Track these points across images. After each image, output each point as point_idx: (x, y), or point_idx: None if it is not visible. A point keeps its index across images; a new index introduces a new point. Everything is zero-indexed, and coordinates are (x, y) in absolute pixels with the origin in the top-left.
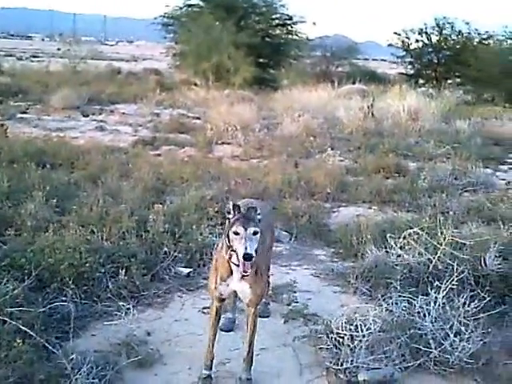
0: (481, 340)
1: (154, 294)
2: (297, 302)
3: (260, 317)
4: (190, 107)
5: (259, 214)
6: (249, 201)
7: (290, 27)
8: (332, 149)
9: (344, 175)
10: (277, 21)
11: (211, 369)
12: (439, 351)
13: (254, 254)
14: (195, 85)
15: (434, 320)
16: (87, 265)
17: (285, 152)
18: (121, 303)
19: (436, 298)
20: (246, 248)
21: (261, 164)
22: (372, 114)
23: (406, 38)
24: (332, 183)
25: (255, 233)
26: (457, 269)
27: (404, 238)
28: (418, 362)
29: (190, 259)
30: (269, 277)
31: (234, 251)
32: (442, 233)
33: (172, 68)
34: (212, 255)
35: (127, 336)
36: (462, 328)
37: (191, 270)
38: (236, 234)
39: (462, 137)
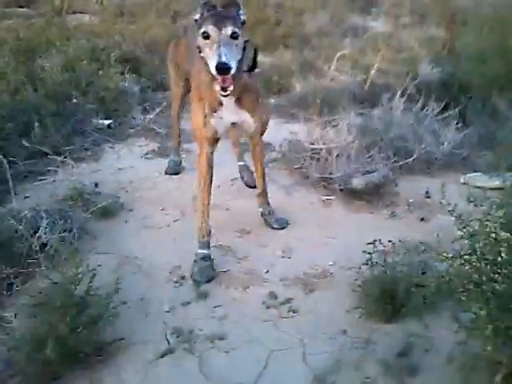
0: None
1: (81, 148)
2: None
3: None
4: None
5: (241, 12)
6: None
7: None
8: None
9: None
10: None
11: (209, 247)
12: (423, 150)
13: (232, 64)
14: None
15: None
16: None
17: (151, 14)
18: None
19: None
20: (219, 56)
21: (131, 26)
22: None
23: None
24: None
25: (234, 35)
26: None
27: (337, 60)
28: (406, 161)
29: (107, 110)
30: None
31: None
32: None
33: None
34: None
35: (74, 188)
36: (436, 127)
37: (111, 121)
38: (205, 37)
39: None
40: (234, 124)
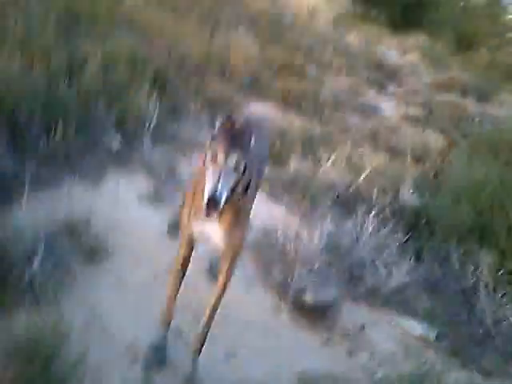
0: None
1: (88, 164)
2: None
3: None
4: None
5: (253, 138)
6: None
7: None
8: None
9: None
10: None
11: (166, 331)
12: (372, 282)
13: (222, 200)
14: None
15: (366, 247)
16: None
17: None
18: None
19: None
20: (214, 188)
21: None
22: None
23: None
24: (247, 71)
25: (237, 166)
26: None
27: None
28: (356, 288)
29: (123, 129)
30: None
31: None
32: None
33: None
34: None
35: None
36: (390, 260)
37: (119, 144)
38: (213, 159)
39: (353, 51)
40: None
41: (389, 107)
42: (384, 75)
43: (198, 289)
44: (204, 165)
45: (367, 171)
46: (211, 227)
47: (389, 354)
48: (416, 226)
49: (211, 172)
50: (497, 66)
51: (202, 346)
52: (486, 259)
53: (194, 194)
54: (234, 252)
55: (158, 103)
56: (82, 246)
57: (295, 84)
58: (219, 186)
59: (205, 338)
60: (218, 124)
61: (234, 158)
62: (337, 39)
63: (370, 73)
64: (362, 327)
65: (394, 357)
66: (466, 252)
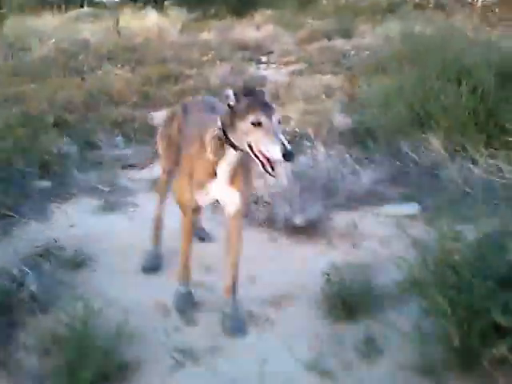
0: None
1: (28, 209)
2: None
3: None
4: None
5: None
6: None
7: None
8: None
9: (140, 85)
10: None
11: (188, 286)
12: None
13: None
14: None
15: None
16: None
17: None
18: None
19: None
20: (283, 145)
21: (33, 86)
22: (118, 32)
23: None
24: (134, 93)
25: (280, 122)
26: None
27: None
28: (334, 199)
29: (45, 173)
30: None
31: (251, 148)
32: None
33: None
34: None
35: (37, 246)
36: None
37: (50, 182)
38: (257, 124)
39: (215, 44)
40: (217, 201)
41: (273, 73)
42: (254, 51)
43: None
44: (202, 140)
45: (295, 117)
46: (222, 192)
47: (385, 236)
48: (360, 142)
49: (263, 134)
50: (344, 9)
51: (235, 283)
52: (434, 139)
53: (191, 174)
54: (245, 209)
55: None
56: (67, 261)
57: (181, 86)
58: (283, 139)
59: (236, 276)
60: (230, 97)
61: (276, 115)
62: (195, 41)
63: (243, 54)
64: (355, 225)
65: (391, 237)
66: (414, 141)
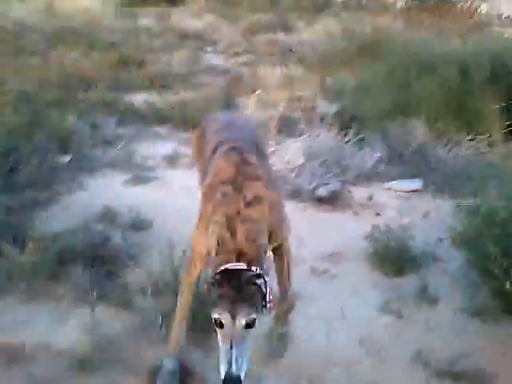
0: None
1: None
2: None
3: None
4: None
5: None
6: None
7: None
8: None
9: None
10: None
11: (177, 360)
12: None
13: (242, 373)
14: None
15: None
16: None
17: None
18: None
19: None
20: (230, 364)
21: None
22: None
23: None
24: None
25: (248, 325)
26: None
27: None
28: (347, 176)
29: (62, 148)
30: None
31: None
32: None
33: None
34: None
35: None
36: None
37: (70, 157)
38: (218, 324)
39: (157, 31)
40: None
41: (225, 63)
42: (196, 41)
43: None
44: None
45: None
46: None
47: (400, 207)
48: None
49: (221, 338)
50: (276, 5)
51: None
52: (418, 124)
53: (196, 261)
54: (286, 247)
55: None
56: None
57: (145, 71)
58: (234, 356)
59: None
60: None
61: (242, 317)
62: (136, 27)
63: (189, 43)
64: (371, 197)
65: (406, 207)
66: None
